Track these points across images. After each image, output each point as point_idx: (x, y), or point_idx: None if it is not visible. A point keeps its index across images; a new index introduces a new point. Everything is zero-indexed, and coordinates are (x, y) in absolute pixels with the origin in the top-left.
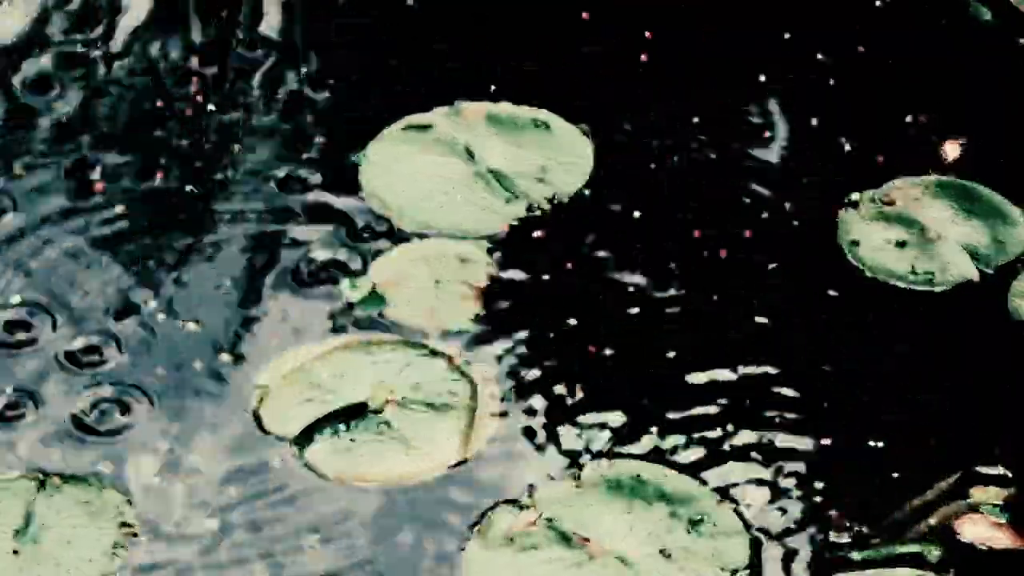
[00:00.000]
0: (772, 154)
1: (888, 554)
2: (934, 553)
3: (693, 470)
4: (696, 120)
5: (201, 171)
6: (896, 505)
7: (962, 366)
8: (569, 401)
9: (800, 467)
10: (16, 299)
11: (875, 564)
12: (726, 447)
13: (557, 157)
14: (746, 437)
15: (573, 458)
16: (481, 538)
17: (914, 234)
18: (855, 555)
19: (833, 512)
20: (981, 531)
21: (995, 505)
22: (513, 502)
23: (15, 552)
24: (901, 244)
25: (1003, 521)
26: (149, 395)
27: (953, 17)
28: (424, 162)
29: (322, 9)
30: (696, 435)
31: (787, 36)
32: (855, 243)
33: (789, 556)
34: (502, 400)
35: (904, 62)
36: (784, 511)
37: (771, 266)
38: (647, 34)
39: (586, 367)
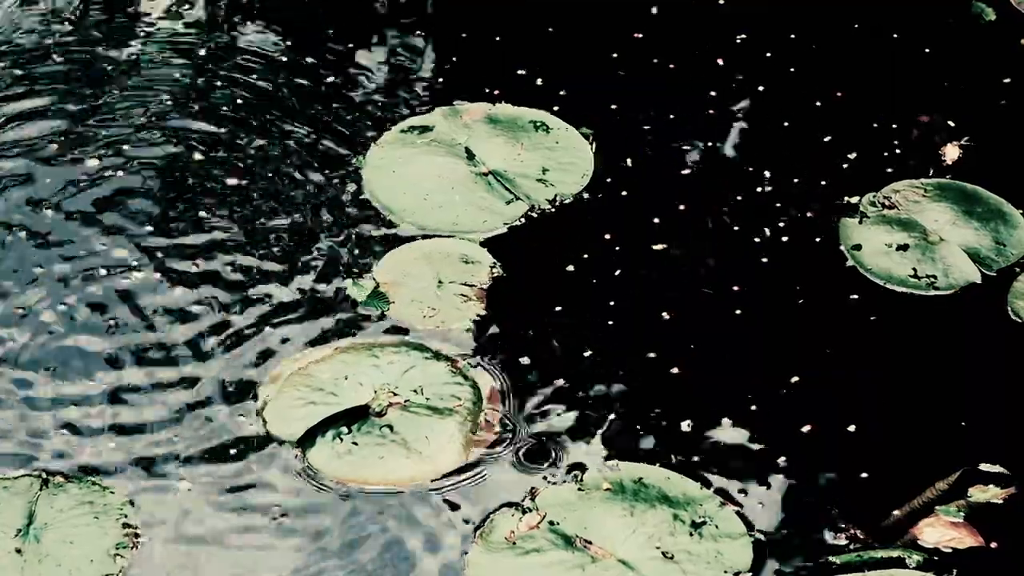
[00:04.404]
0: (773, 156)
1: (869, 558)
2: (914, 557)
3: (695, 473)
4: (696, 122)
5: (201, 173)
6: (896, 505)
7: (963, 367)
8: (571, 404)
9: (801, 469)
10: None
11: (859, 567)
12: (728, 449)
13: (557, 158)
14: (748, 439)
15: (575, 461)
16: (484, 541)
17: (915, 237)
18: (836, 559)
19: (833, 513)
20: (941, 533)
21: (951, 505)
22: (516, 505)
23: (17, 551)
24: (903, 248)
25: (960, 521)
26: (152, 395)
27: (955, 18)
28: (425, 163)
29: (322, 11)
30: (698, 437)
31: (788, 39)
32: (857, 247)
33: (788, 558)
34: (503, 402)
35: (905, 63)
36: (784, 512)
37: (772, 268)
38: (639, 35)
39: (588, 369)
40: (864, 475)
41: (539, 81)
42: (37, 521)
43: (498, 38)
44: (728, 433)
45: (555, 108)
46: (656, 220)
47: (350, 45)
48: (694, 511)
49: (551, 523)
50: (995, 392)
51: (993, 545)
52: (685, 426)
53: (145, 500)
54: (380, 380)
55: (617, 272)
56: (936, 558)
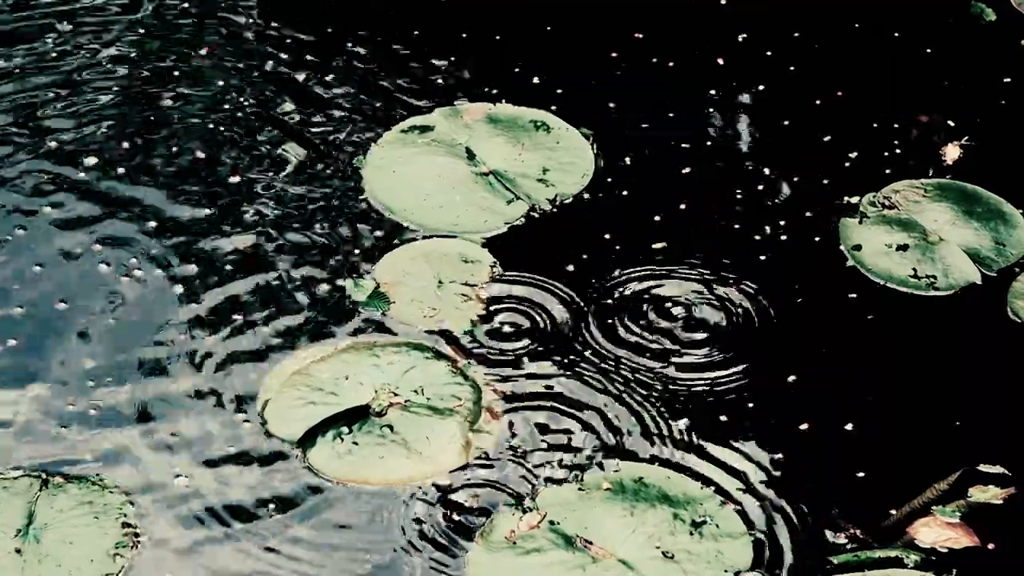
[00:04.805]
0: (773, 156)
1: (868, 558)
2: (912, 557)
3: (695, 472)
4: (696, 122)
5: (201, 173)
6: (895, 505)
7: (963, 367)
8: (571, 403)
9: (801, 468)
10: None
11: (858, 567)
12: (728, 449)
13: (557, 158)
14: (747, 439)
15: (576, 461)
16: (484, 541)
17: (915, 237)
18: (835, 559)
19: (833, 513)
20: (937, 533)
21: (947, 505)
22: (516, 505)
23: (17, 551)
24: (903, 248)
25: (956, 521)
26: (152, 395)
27: (955, 18)
28: (425, 163)
29: (322, 11)
30: (699, 437)
31: (788, 38)
32: (857, 247)
33: (788, 558)
34: (504, 403)
35: (905, 63)
36: (784, 512)
37: (773, 269)
38: (639, 35)
39: (588, 368)
40: (864, 475)
41: (539, 81)
42: (37, 521)
43: (498, 37)
44: (728, 432)
45: (555, 108)
46: (656, 220)
47: (350, 44)
48: (694, 510)
49: (551, 523)
50: (995, 392)
51: (992, 546)
52: (686, 426)
53: (145, 500)
54: (380, 380)
55: (617, 271)
56: (934, 558)
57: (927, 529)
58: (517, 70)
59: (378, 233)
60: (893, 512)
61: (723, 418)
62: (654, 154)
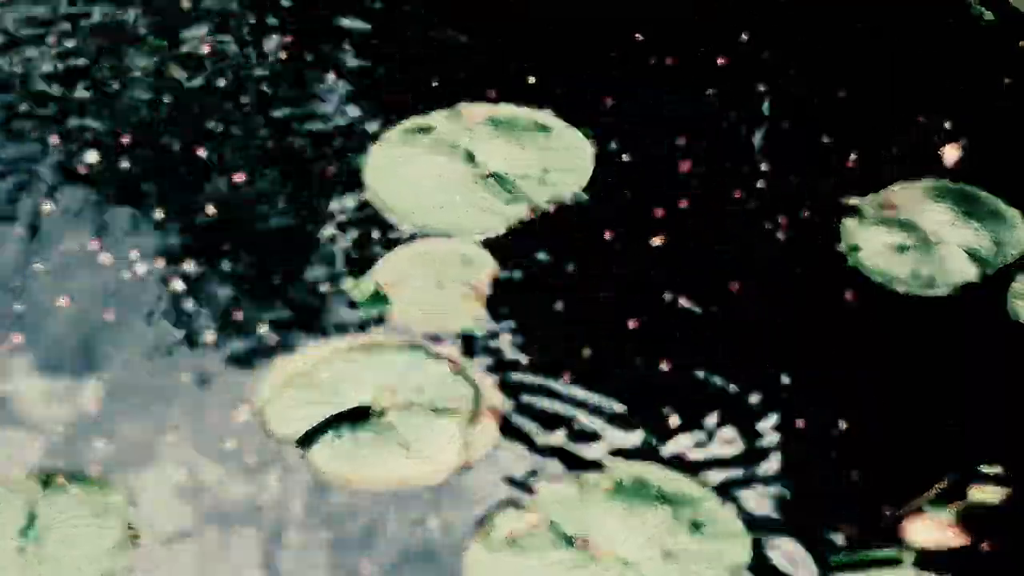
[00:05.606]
0: (772, 157)
1: (866, 558)
2: (911, 557)
3: (695, 472)
4: (696, 122)
5: (200, 172)
6: (894, 505)
7: (962, 367)
8: (571, 403)
9: (800, 468)
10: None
11: (857, 567)
12: (728, 449)
13: (557, 158)
14: (747, 439)
15: (575, 460)
16: (483, 540)
17: (915, 238)
18: (834, 559)
19: (832, 513)
20: (930, 533)
21: (943, 505)
22: (515, 504)
23: (18, 551)
24: (902, 248)
25: (950, 521)
26: (152, 395)
27: (955, 18)
28: (426, 163)
29: (321, 11)
30: (698, 437)
31: (786, 40)
32: (856, 248)
33: (788, 557)
34: (504, 402)
35: (905, 63)
36: (784, 512)
37: (772, 269)
38: (640, 36)
39: (588, 369)
40: (863, 475)
41: (540, 82)
42: (38, 522)
43: (499, 39)
44: (728, 432)
45: (555, 108)
46: (656, 220)
47: (347, 44)
48: (694, 510)
49: (551, 523)
50: (994, 392)
51: (988, 547)
52: (686, 425)
53: (145, 500)
54: (380, 380)
55: (617, 271)
56: (932, 559)
57: (924, 529)
58: (517, 71)
59: (378, 233)
60: (891, 512)
61: (723, 417)
62: (654, 154)
